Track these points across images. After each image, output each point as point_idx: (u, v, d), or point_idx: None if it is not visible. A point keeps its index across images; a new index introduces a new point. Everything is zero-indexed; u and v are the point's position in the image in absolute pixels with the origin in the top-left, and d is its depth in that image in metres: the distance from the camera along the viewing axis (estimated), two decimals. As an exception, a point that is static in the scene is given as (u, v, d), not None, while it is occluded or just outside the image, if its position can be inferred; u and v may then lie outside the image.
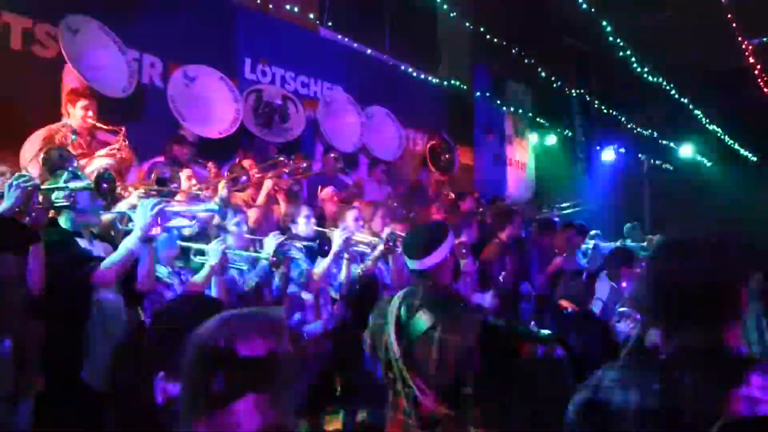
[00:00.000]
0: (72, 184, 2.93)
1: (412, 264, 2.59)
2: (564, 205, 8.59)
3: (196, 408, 1.48)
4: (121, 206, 3.58)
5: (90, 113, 4.50)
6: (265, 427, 1.44)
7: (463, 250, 4.95)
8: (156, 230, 3.09)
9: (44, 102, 4.75)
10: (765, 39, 10.65)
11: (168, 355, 1.87)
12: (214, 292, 3.49)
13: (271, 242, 3.89)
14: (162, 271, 3.50)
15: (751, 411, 1.34)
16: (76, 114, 4.48)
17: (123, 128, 4.46)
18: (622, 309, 5.15)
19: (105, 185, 2.89)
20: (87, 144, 4.48)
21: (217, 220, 3.99)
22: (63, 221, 3.10)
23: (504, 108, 10.51)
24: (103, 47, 5.02)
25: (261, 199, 5.18)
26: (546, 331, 2.75)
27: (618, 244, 8.54)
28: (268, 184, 5.22)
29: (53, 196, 2.90)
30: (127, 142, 4.42)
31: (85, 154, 4.31)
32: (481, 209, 7.44)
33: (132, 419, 1.78)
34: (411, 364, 2.45)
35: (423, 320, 2.46)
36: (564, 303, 4.16)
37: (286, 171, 5.34)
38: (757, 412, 1.34)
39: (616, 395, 1.47)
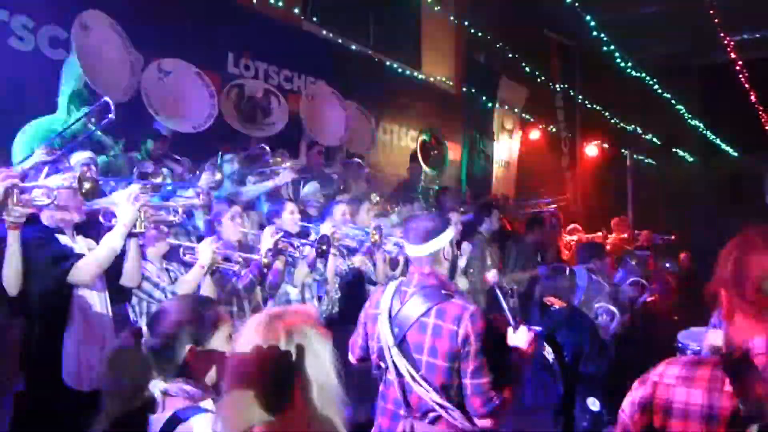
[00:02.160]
0: (52, 182, 2.84)
1: (411, 250, 2.59)
2: (548, 200, 8.65)
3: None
4: (105, 201, 3.47)
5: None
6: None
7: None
8: (140, 225, 3.02)
9: (23, 95, 4.62)
10: (746, 35, 10.77)
11: (166, 358, 1.84)
12: (204, 291, 3.39)
13: (267, 240, 3.80)
14: (150, 268, 3.43)
15: None
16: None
17: (123, 139, 4.44)
18: (599, 304, 5.19)
19: (87, 185, 2.82)
20: None
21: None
22: (44, 218, 3.01)
23: (490, 103, 10.51)
24: (111, 46, 4.89)
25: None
26: (537, 328, 2.73)
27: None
28: (250, 179, 5.16)
29: (33, 194, 2.81)
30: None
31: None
32: (463, 205, 7.43)
33: (124, 423, 1.74)
34: (403, 351, 2.44)
35: (416, 307, 2.45)
36: (551, 300, 4.15)
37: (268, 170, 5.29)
38: None
39: (678, 393, 1.38)
